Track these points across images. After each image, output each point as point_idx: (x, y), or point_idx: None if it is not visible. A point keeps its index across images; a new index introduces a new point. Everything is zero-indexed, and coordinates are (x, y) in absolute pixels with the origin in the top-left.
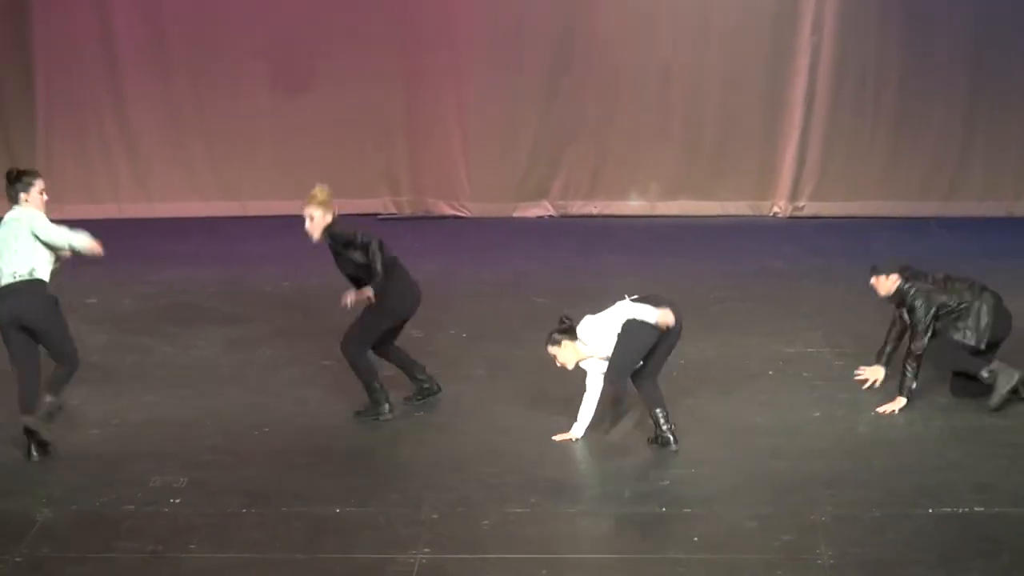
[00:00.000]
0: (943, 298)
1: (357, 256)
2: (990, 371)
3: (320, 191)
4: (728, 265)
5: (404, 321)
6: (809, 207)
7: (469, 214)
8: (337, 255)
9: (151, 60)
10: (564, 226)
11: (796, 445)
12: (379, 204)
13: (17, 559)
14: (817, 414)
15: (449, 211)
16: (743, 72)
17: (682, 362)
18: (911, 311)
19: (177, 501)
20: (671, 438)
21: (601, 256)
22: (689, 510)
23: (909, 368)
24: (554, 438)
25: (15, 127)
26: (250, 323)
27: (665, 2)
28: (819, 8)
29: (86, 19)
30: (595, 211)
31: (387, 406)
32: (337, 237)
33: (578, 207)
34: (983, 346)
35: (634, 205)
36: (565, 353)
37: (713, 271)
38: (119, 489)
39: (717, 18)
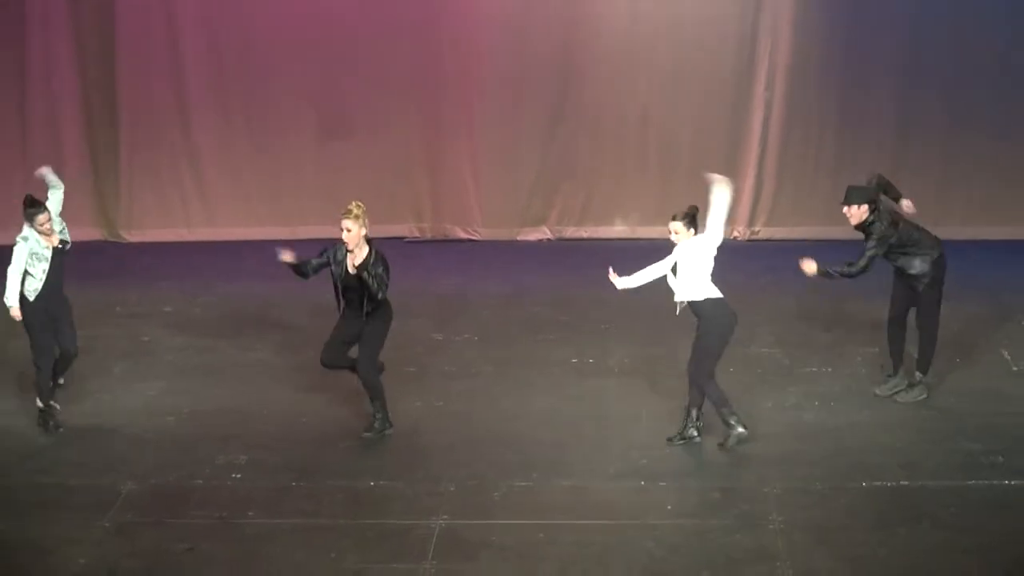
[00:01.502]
0: (903, 230)
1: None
2: (921, 378)
3: (356, 206)
4: None
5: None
6: (764, 231)
7: (480, 237)
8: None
9: (216, 107)
10: (560, 248)
11: (752, 430)
12: (405, 229)
13: (105, 524)
14: (770, 404)
15: (463, 235)
16: (708, 119)
17: (658, 361)
18: (868, 235)
19: (238, 476)
20: (695, 435)
21: (591, 273)
22: (664, 483)
23: (836, 271)
24: (611, 278)
25: (102, 163)
26: (298, 329)
27: (644, 62)
28: (771, 68)
29: (162, 72)
30: (586, 235)
31: (378, 424)
32: (377, 253)
33: (571, 231)
34: (926, 280)
35: (618, 230)
36: (680, 230)
37: None
38: (190, 466)
39: (687, 75)
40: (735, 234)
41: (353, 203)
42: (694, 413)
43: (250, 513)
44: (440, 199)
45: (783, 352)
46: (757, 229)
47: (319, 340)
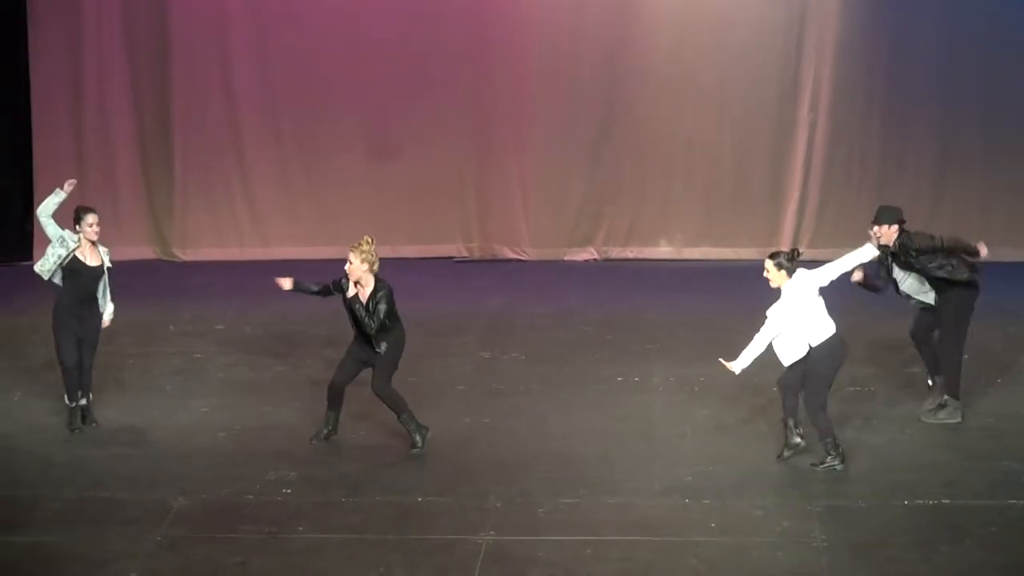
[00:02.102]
0: (938, 254)
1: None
2: (948, 400)
3: (366, 242)
4: (741, 300)
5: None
6: (807, 252)
7: (528, 257)
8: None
9: (268, 131)
10: (606, 268)
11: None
12: (454, 249)
13: (157, 539)
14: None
15: (511, 255)
16: (753, 142)
17: (702, 379)
18: (910, 252)
19: (288, 491)
20: (799, 442)
21: (636, 293)
22: (708, 501)
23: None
24: (721, 360)
25: (156, 184)
26: (346, 346)
27: (689, 85)
28: (816, 91)
29: (215, 96)
30: (631, 255)
31: (418, 436)
32: (381, 288)
33: (617, 252)
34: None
35: (664, 251)
36: (776, 275)
37: (729, 305)
38: (241, 482)
39: (732, 98)
40: None
41: (364, 238)
42: (791, 422)
43: (300, 528)
44: (488, 219)
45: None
46: (802, 250)
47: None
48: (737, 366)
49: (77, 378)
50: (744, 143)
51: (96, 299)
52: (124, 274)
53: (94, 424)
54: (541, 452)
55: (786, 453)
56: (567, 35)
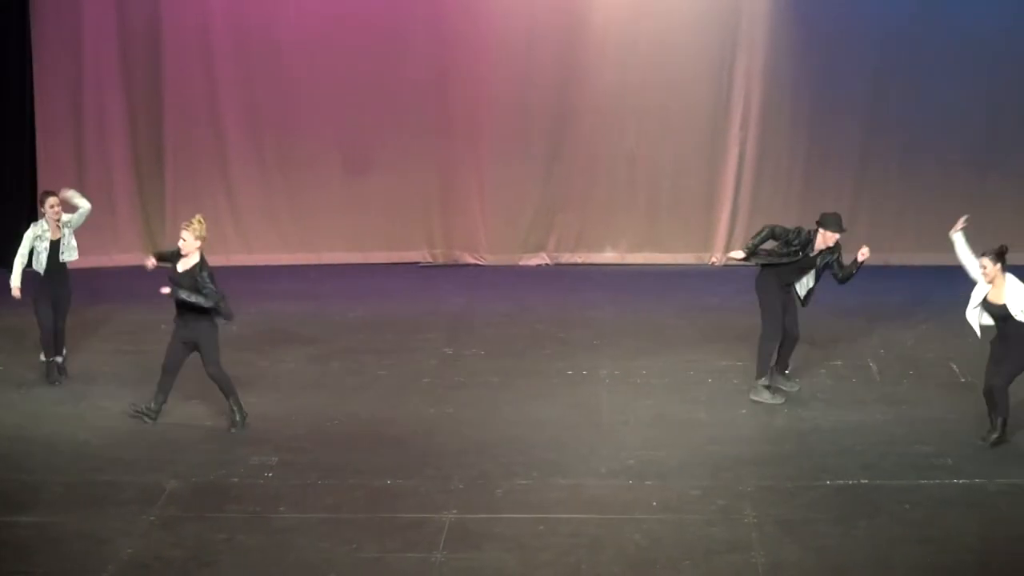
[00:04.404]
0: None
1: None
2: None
3: (198, 221)
4: (678, 301)
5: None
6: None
7: (486, 263)
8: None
9: (251, 150)
10: (557, 272)
11: (728, 434)
12: (419, 255)
13: (152, 518)
14: (744, 411)
15: (471, 260)
16: (689, 157)
17: (644, 372)
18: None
19: (270, 475)
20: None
21: (584, 294)
22: (649, 482)
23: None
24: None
25: (150, 197)
26: (324, 343)
27: (632, 108)
28: (745, 112)
29: (203, 116)
30: (580, 260)
31: (239, 417)
32: (205, 263)
33: (567, 257)
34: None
35: (609, 256)
36: (992, 270)
37: (667, 305)
38: (227, 466)
39: (670, 119)
40: (713, 260)
41: (196, 217)
42: (998, 421)
43: (280, 508)
44: (450, 228)
45: (754, 365)
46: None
47: (343, 353)
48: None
49: (52, 338)
50: (681, 159)
51: (64, 267)
52: (120, 278)
53: (65, 377)
54: (499, 438)
55: (992, 437)
56: (521, 65)
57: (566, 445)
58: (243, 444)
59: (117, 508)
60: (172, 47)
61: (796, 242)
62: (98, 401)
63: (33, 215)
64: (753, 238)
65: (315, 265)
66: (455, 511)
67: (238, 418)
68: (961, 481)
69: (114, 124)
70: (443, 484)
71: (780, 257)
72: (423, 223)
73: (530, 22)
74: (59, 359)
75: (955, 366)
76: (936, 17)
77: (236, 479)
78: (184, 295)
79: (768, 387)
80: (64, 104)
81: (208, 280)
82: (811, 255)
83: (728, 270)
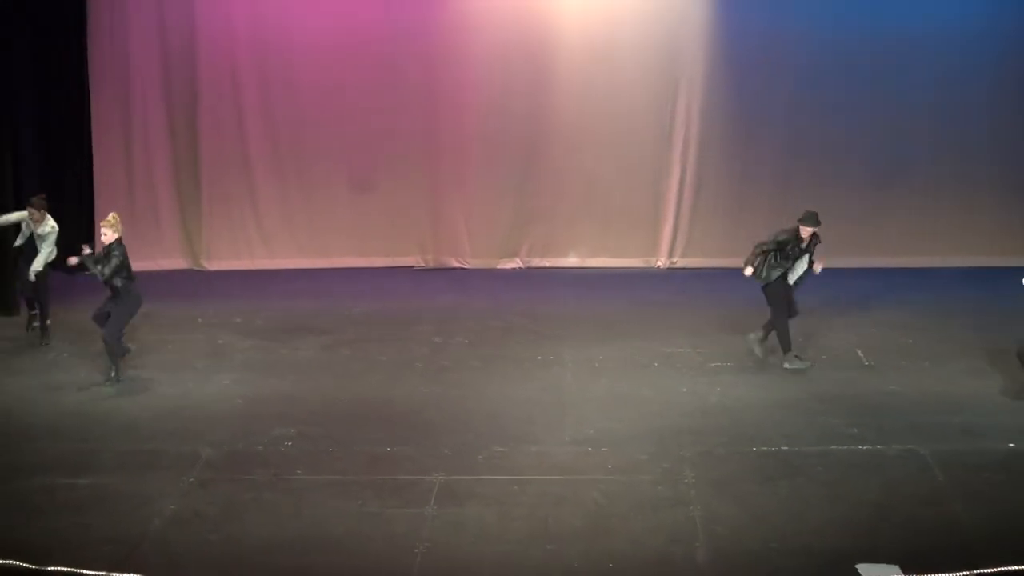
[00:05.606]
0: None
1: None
2: None
3: (113, 217)
4: (629, 298)
5: None
6: (680, 261)
7: (469, 266)
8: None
9: (273, 168)
10: (528, 274)
11: (671, 409)
12: (413, 260)
13: (191, 480)
14: (684, 389)
15: (457, 264)
16: (638, 177)
17: (601, 358)
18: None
19: (289, 444)
20: None
21: (551, 293)
22: (605, 449)
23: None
24: None
25: (188, 210)
26: (334, 334)
27: (591, 136)
28: (686, 141)
29: (233, 141)
30: (548, 264)
31: (115, 375)
32: (116, 248)
33: (537, 261)
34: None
35: (571, 260)
36: None
37: (620, 301)
38: (254, 436)
39: (622, 146)
40: (658, 264)
41: (112, 214)
42: None
43: (298, 471)
44: (439, 237)
45: (695, 351)
46: (675, 260)
47: (350, 342)
48: None
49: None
50: (631, 178)
51: (34, 251)
52: (163, 280)
53: (36, 325)
54: (480, 413)
55: None
56: (497, 102)
57: (536, 418)
58: (267, 418)
59: (160, 472)
60: (207, 83)
61: (789, 245)
62: (145, 383)
63: (92, 224)
64: (754, 261)
65: (327, 268)
66: (444, 474)
67: (114, 375)
68: (865, 447)
69: (158, 148)
70: (433, 451)
71: (783, 263)
72: (416, 232)
73: (504, 67)
74: (36, 313)
75: (860, 352)
76: (838, 55)
77: (261, 447)
78: (90, 263)
79: (798, 356)
80: (116, 133)
81: (114, 258)
82: (802, 246)
83: (671, 272)
